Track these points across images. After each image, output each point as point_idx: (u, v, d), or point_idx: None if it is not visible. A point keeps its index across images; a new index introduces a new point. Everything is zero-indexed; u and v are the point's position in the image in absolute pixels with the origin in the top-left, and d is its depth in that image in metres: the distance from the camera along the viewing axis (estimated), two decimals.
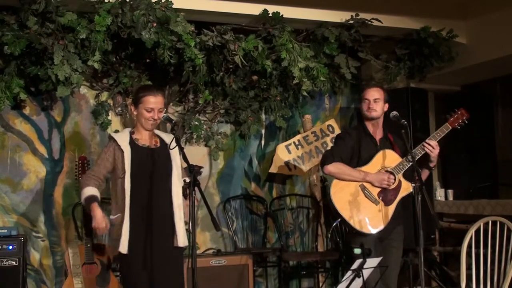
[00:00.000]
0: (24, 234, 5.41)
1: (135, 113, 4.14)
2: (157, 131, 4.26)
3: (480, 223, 4.79)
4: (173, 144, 3.96)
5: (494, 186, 7.02)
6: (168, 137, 4.19)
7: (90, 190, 4.02)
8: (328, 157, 4.57)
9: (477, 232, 4.77)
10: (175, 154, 4.15)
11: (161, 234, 4.04)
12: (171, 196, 4.09)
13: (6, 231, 5.18)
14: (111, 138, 4.12)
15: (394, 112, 4.35)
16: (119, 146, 4.04)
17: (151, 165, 4.06)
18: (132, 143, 4.09)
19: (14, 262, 5.07)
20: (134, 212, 3.97)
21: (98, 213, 3.95)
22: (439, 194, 6.87)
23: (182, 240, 4.10)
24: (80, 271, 5.00)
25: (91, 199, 3.99)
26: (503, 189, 6.95)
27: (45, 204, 5.82)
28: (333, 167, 4.51)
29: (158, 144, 4.18)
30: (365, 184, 4.46)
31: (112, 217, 4.08)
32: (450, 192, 6.86)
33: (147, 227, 3.99)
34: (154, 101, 4.07)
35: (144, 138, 4.14)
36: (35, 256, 5.74)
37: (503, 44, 6.02)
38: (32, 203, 5.78)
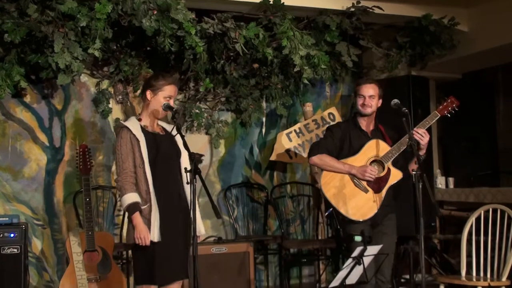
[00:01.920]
0: (25, 222, 5.43)
1: (150, 99, 4.06)
2: (159, 121, 4.23)
3: (481, 211, 4.81)
4: (175, 131, 3.95)
5: (495, 174, 7.02)
6: (169, 127, 4.19)
7: (130, 197, 3.91)
8: (314, 149, 4.65)
9: (478, 219, 4.79)
10: (179, 140, 4.13)
11: (183, 220, 4.02)
12: (182, 182, 4.08)
13: (7, 219, 5.20)
14: (123, 128, 4.01)
15: (395, 100, 4.34)
16: (134, 135, 3.97)
17: (164, 151, 4.04)
18: (143, 130, 4.04)
19: (15, 250, 5.09)
20: (159, 199, 3.95)
21: (139, 225, 3.88)
22: (440, 182, 6.87)
23: (200, 228, 4.12)
24: (82, 259, 5.01)
25: (133, 207, 3.90)
26: (503, 177, 6.96)
27: (46, 192, 5.84)
28: (318, 159, 4.59)
29: (162, 133, 4.17)
30: None
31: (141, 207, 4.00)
32: (451, 180, 6.86)
33: (172, 214, 3.98)
34: (174, 90, 4.09)
35: (151, 125, 4.12)
36: (36, 244, 5.76)
37: (504, 32, 6.00)
38: (33, 191, 5.80)
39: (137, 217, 3.88)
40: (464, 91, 6.99)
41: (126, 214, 4.02)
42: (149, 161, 3.95)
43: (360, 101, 4.56)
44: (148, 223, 3.90)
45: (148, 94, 4.07)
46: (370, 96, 4.52)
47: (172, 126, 4.04)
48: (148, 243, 3.87)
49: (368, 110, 4.54)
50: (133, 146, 3.97)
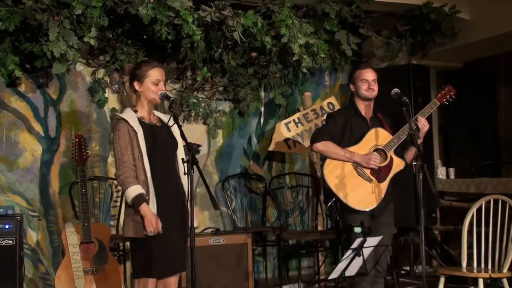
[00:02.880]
0: (21, 213, 5.37)
1: (140, 89, 3.99)
2: (155, 111, 4.17)
3: (482, 202, 4.78)
4: (171, 121, 3.90)
5: (496, 164, 6.98)
6: (166, 117, 4.12)
7: (134, 190, 3.82)
8: (317, 135, 4.61)
9: (479, 210, 4.77)
10: (175, 131, 4.07)
11: (180, 212, 3.99)
12: (179, 173, 4.04)
13: (2, 210, 5.14)
14: (120, 120, 3.92)
15: (396, 89, 4.33)
16: (132, 127, 3.90)
17: (161, 142, 3.99)
18: (140, 122, 3.97)
19: (10, 242, 5.03)
20: (158, 191, 3.89)
21: (149, 214, 3.80)
22: (441, 172, 6.85)
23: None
24: (78, 251, 4.97)
25: (140, 199, 3.81)
26: (505, 167, 6.92)
27: (42, 183, 5.79)
28: (322, 145, 4.54)
29: (159, 124, 4.11)
30: None
31: None
32: (452, 170, 6.83)
33: (170, 206, 3.93)
34: (159, 72, 4.01)
35: (147, 116, 4.05)
36: (31, 235, 5.72)
37: (506, 20, 5.97)
38: (28, 182, 5.76)
39: (145, 207, 3.81)
40: (465, 79, 6.96)
41: (126, 206, 3.92)
42: (147, 152, 3.90)
43: (364, 86, 4.53)
44: None
45: (136, 85, 4.00)
46: (373, 80, 4.53)
47: (169, 116, 3.98)
48: (160, 229, 3.80)
49: (374, 94, 4.54)
50: (131, 138, 3.90)
